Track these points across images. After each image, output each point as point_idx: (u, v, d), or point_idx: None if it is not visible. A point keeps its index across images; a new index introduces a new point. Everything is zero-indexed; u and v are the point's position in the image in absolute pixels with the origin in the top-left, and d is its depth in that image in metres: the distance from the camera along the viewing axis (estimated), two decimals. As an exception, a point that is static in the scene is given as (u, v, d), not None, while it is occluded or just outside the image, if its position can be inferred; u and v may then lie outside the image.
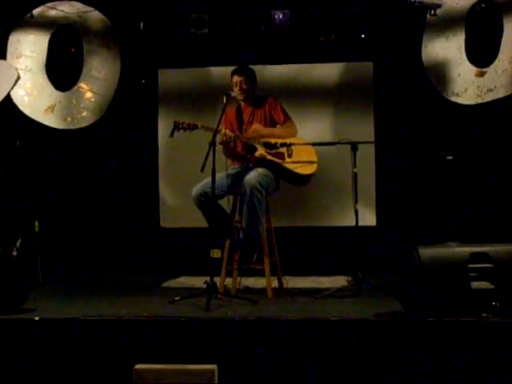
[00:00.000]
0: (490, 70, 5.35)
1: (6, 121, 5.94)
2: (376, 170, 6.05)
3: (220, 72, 6.00)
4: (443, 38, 5.52)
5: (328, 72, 6.19)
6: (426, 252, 3.82)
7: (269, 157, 4.95)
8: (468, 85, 5.43)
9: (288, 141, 4.95)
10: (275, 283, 5.03)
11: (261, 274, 4.87)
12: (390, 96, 6.02)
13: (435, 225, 5.72)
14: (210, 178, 4.53)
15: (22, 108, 5.87)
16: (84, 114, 5.90)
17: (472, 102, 5.43)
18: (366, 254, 5.01)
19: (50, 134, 5.98)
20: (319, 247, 6.03)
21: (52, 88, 5.90)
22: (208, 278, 4.40)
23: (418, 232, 5.68)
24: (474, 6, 5.45)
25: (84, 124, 5.90)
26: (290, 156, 4.97)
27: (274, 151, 4.96)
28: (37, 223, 5.63)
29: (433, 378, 3.59)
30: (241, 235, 4.81)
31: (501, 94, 5.34)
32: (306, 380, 3.67)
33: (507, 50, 5.31)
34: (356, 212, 4.80)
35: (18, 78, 5.77)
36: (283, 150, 4.96)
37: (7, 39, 5.85)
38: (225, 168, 4.85)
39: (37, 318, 3.89)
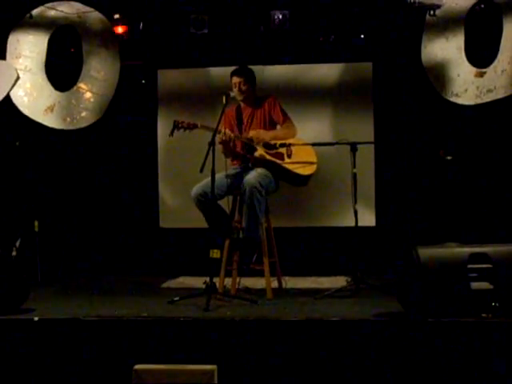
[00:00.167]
0: (490, 70, 5.35)
1: (6, 121, 5.94)
2: (375, 171, 6.05)
3: (220, 72, 5.99)
4: (443, 39, 5.52)
5: (328, 72, 6.19)
6: (425, 252, 3.83)
7: (268, 157, 4.95)
8: (468, 85, 5.43)
9: (287, 141, 4.95)
10: (275, 283, 5.03)
11: (260, 274, 4.88)
12: (389, 96, 6.02)
13: (435, 225, 5.72)
14: (209, 178, 4.53)
15: (21, 108, 5.86)
16: (83, 114, 5.89)
17: (471, 103, 5.43)
18: (366, 254, 5.01)
19: (49, 134, 5.97)
20: (319, 247, 6.03)
21: (51, 88, 5.89)
22: (207, 279, 4.40)
23: (418, 232, 5.67)
24: (473, 6, 5.44)
25: (83, 124, 5.89)
26: (289, 156, 4.98)
27: (274, 151, 4.97)
28: (36, 223, 5.63)
29: (433, 378, 3.59)
30: (240, 235, 4.82)
31: (500, 94, 5.33)
32: (306, 380, 3.67)
33: (507, 50, 5.30)
34: (355, 212, 4.80)
35: (18, 78, 5.76)
36: (283, 150, 4.96)
37: (7, 39, 5.83)
38: (224, 168, 4.86)
39: (36, 318, 3.89)
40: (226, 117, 5.04)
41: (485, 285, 3.74)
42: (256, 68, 5.31)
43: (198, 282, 4.87)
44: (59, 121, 5.91)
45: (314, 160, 5.03)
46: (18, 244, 5.13)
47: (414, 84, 5.89)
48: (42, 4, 5.81)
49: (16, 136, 6.01)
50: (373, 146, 5.84)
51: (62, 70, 5.98)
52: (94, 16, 5.85)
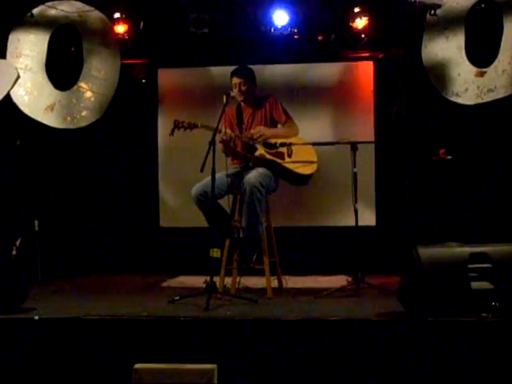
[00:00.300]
0: (490, 70, 5.35)
1: (6, 120, 5.94)
2: (376, 170, 6.05)
3: (220, 72, 6.00)
4: (443, 38, 5.52)
5: (328, 72, 6.19)
6: (425, 252, 3.82)
7: (269, 156, 4.95)
8: (468, 85, 5.43)
9: (288, 141, 4.95)
10: (275, 283, 5.03)
11: (260, 273, 4.87)
12: (390, 96, 6.02)
13: (435, 225, 5.71)
14: (209, 178, 4.53)
15: (21, 107, 5.86)
16: (84, 113, 5.89)
17: (472, 102, 5.43)
18: (366, 253, 5.01)
19: (49, 133, 5.97)
20: (319, 247, 6.03)
21: (52, 87, 5.89)
22: (207, 278, 4.40)
23: (418, 232, 5.67)
24: (473, 6, 5.44)
25: (84, 123, 5.89)
26: (289, 156, 4.97)
27: (274, 151, 4.97)
28: (37, 222, 5.64)
29: (433, 378, 3.59)
30: (240, 235, 4.82)
31: (501, 94, 5.33)
32: (306, 380, 3.67)
33: (507, 50, 5.30)
34: (356, 212, 4.80)
35: (18, 77, 5.75)
36: (283, 149, 4.96)
37: (7, 38, 5.84)
38: (225, 167, 4.86)
39: (36, 318, 3.89)
40: (226, 116, 5.03)
41: (485, 285, 3.74)
42: (256, 68, 5.30)
43: (198, 281, 4.86)
44: (59, 120, 5.91)
45: (315, 159, 5.03)
46: (18, 243, 5.12)
47: (414, 83, 5.88)
48: (43, 3, 5.81)
49: (16, 135, 6.00)
50: (373, 145, 5.85)
51: (62, 69, 5.98)
52: (94, 15, 5.85)
